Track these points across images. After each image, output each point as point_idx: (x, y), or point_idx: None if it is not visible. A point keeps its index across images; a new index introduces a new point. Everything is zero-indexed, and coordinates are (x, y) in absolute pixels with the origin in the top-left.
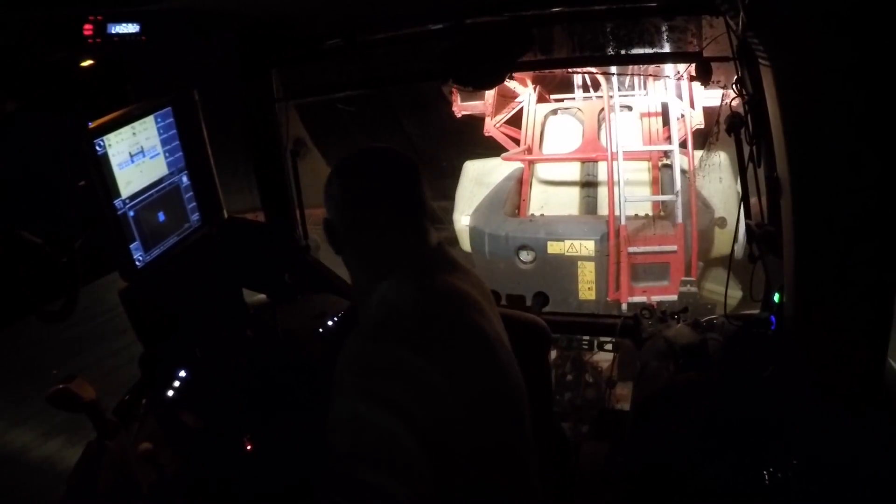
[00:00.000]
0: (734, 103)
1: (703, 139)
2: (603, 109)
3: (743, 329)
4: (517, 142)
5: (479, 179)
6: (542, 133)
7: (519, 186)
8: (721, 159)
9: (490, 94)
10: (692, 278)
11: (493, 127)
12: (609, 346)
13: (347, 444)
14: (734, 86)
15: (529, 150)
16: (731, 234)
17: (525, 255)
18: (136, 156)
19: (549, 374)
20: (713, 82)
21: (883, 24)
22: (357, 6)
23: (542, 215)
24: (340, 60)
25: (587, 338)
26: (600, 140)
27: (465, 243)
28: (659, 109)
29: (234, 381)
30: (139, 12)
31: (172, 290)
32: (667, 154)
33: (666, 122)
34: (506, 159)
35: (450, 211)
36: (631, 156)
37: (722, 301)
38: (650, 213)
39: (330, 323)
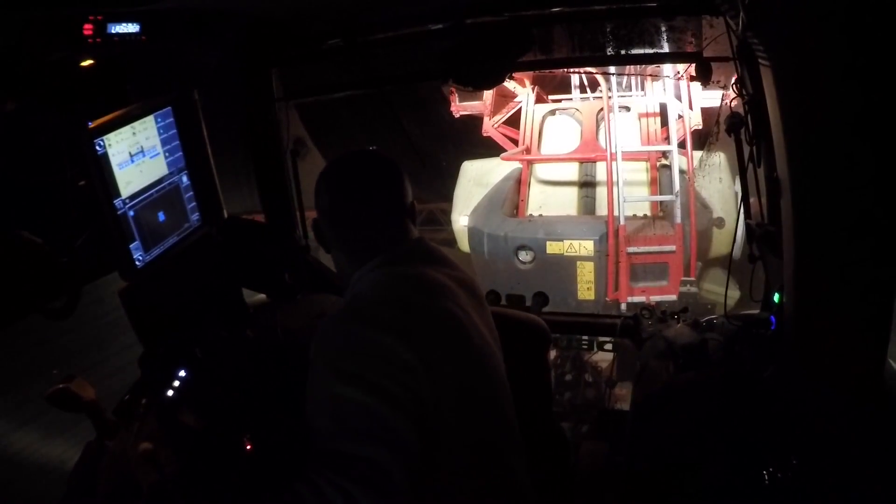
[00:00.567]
0: (734, 103)
1: (701, 140)
2: (601, 110)
3: (743, 329)
4: (515, 142)
5: (477, 180)
6: (541, 133)
7: (518, 186)
8: (720, 159)
9: (489, 95)
10: (692, 278)
11: (492, 127)
12: (609, 346)
13: (329, 423)
14: (734, 86)
15: (528, 151)
16: (729, 234)
17: (524, 256)
18: (136, 156)
19: (549, 374)
20: (713, 82)
21: (882, 24)
22: (357, 6)
23: (540, 215)
24: (340, 60)
25: (587, 338)
26: (599, 140)
27: (464, 243)
28: (657, 110)
29: (234, 381)
30: (139, 12)
31: (172, 290)
32: (665, 154)
33: (664, 123)
34: (504, 159)
35: (448, 211)
36: (629, 156)
37: (721, 301)
38: (648, 214)
39: None
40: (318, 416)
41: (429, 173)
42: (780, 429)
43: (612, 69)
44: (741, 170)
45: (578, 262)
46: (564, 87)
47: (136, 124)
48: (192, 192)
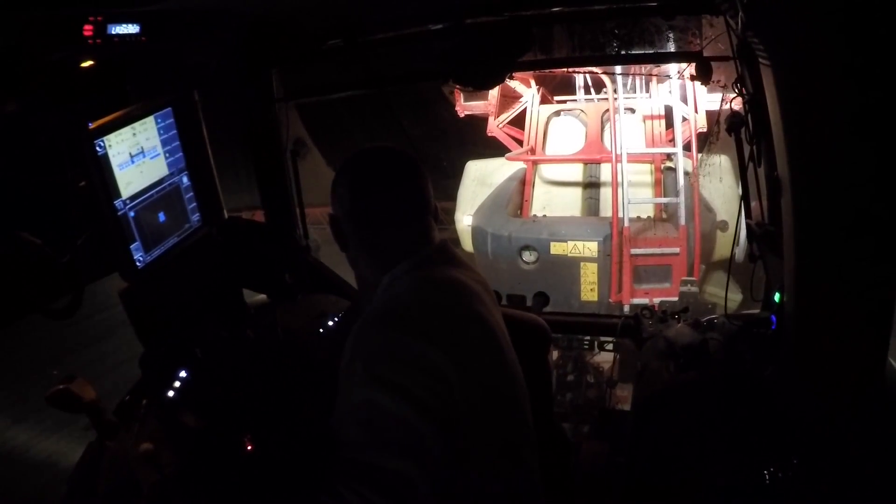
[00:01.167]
0: (734, 103)
1: (703, 141)
2: (606, 111)
3: (743, 329)
4: (520, 142)
5: (481, 179)
6: (546, 134)
7: (522, 187)
8: (722, 162)
9: (493, 95)
10: (693, 278)
11: (497, 127)
12: (610, 347)
13: (360, 431)
14: (734, 86)
15: (533, 151)
16: (732, 237)
17: (528, 256)
18: (137, 156)
19: (550, 375)
20: (713, 82)
21: (882, 24)
22: (357, 6)
23: (544, 216)
24: (340, 60)
25: (588, 338)
26: (603, 142)
27: (468, 243)
28: (662, 112)
29: (234, 381)
30: (139, 12)
31: (172, 291)
32: (669, 157)
33: (669, 125)
34: (509, 160)
35: (452, 211)
36: (634, 158)
37: (722, 303)
38: (652, 216)
39: (330, 323)
40: (349, 421)
41: (429, 173)
42: (780, 429)
43: (614, 69)
44: (741, 169)
45: (582, 263)
46: (569, 88)
47: (137, 125)
48: (192, 193)
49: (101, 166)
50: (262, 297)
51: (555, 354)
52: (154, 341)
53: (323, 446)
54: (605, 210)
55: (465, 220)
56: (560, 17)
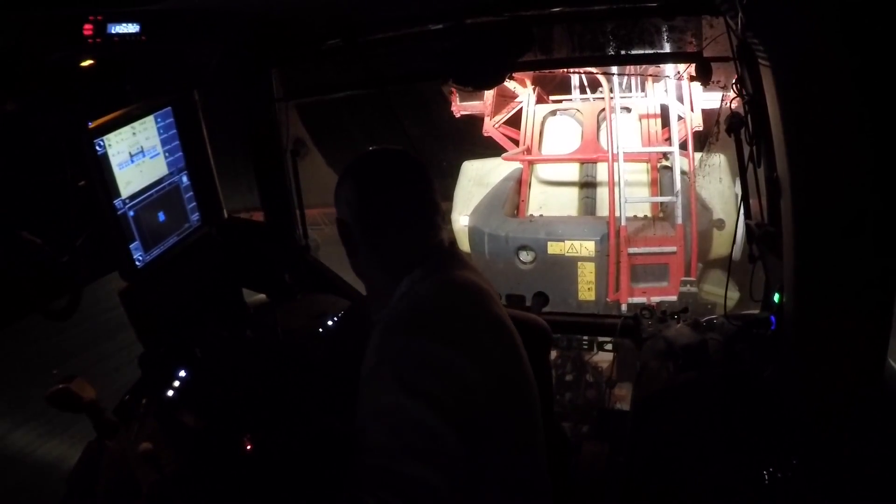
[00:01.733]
0: (734, 103)
1: (702, 141)
2: (602, 110)
3: (743, 329)
4: (516, 142)
5: (478, 179)
6: (542, 134)
7: (518, 187)
8: (720, 161)
9: (489, 95)
10: (692, 278)
11: (493, 127)
12: (609, 347)
13: (386, 437)
14: (734, 86)
15: (529, 151)
16: (729, 235)
17: (525, 256)
18: (136, 156)
19: (550, 375)
20: (713, 82)
21: (882, 24)
22: (357, 6)
23: (541, 216)
24: (340, 60)
25: (587, 338)
26: (599, 141)
27: (464, 243)
28: (658, 111)
29: (234, 381)
30: (139, 12)
31: (172, 290)
32: (666, 156)
33: (665, 124)
34: (506, 159)
35: (448, 211)
36: (630, 157)
37: (721, 301)
38: (649, 215)
39: (330, 323)
40: (374, 426)
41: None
42: (780, 429)
43: (612, 69)
44: (741, 170)
45: (579, 263)
46: (565, 88)
47: (136, 124)
48: (192, 192)
49: (101, 166)
50: (262, 297)
51: (553, 354)
52: (154, 341)
53: (322, 446)
54: (602, 209)
55: (461, 220)
56: (560, 18)
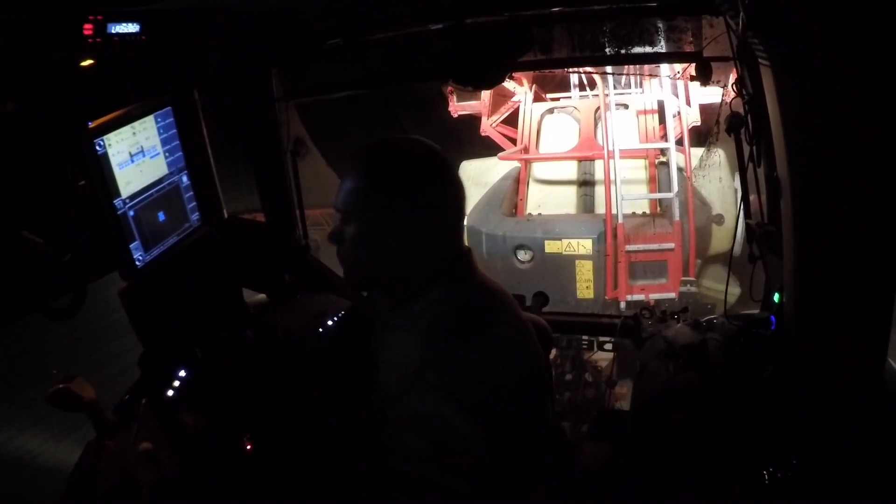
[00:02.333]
0: (734, 103)
1: (700, 137)
2: (599, 108)
3: (743, 329)
4: (514, 141)
5: (476, 179)
6: (539, 132)
7: (516, 186)
8: (719, 157)
9: (486, 94)
10: (691, 278)
11: (490, 126)
12: (609, 346)
13: (422, 444)
14: (734, 86)
15: (526, 150)
16: (728, 231)
17: (522, 255)
18: (136, 155)
19: (550, 374)
20: (713, 82)
21: (882, 25)
22: (357, 6)
23: (539, 214)
24: (340, 60)
25: (587, 337)
26: (597, 138)
27: None
28: (655, 107)
29: (234, 381)
30: (139, 12)
31: (172, 290)
32: (663, 152)
33: (662, 120)
34: (502, 159)
35: None
36: (627, 154)
37: (721, 299)
38: (647, 211)
39: (330, 323)
40: (411, 431)
41: None
42: (780, 429)
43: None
44: (741, 170)
45: (577, 261)
46: (562, 86)
47: (136, 124)
48: (192, 192)
49: (101, 165)
50: (262, 297)
51: (553, 354)
52: (154, 341)
53: (322, 446)
54: (601, 207)
55: None
56: (560, 18)
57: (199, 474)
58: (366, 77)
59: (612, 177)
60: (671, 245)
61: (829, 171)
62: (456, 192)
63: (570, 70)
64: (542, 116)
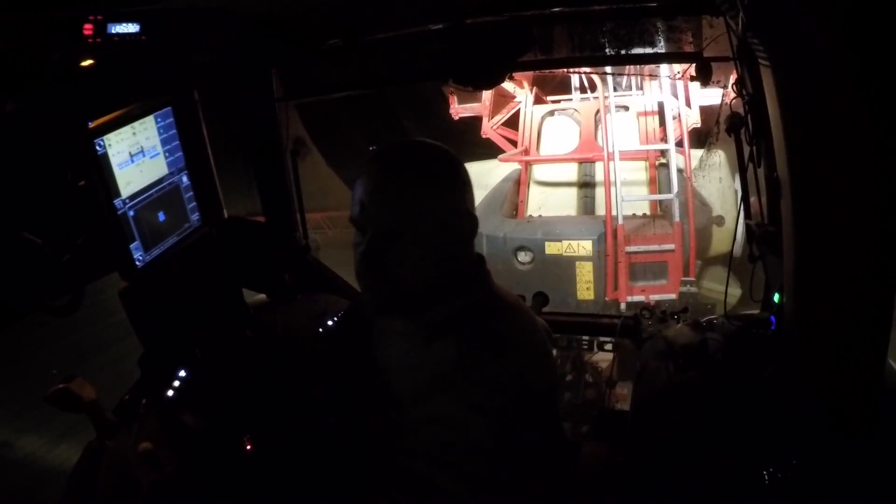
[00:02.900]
0: (734, 103)
1: (700, 138)
2: (599, 110)
3: (743, 329)
4: (514, 143)
5: (476, 181)
6: (539, 134)
7: (517, 187)
8: (719, 158)
9: (487, 96)
10: (692, 278)
11: (491, 128)
12: (609, 346)
13: (432, 446)
14: (734, 86)
15: (527, 152)
16: (728, 232)
17: (523, 256)
18: (136, 156)
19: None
20: (713, 82)
21: (883, 25)
22: (357, 6)
23: (539, 216)
24: (340, 60)
25: (587, 338)
26: (597, 140)
27: None
28: (655, 109)
29: (234, 381)
30: (139, 12)
31: (172, 290)
32: (663, 153)
33: (662, 122)
34: (502, 160)
35: None
36: (628, 155)
37: (721, 299)
38: (647, 213)
39: (330, 323)
40: (424, 430)
41: None
42: (780, 429)
43: (610, 69)
44: (741, 170)
45: (577, 262)
46: (563, 88)
47: (136, 124)
48: (192, 192)
49: (101, 165)
50: (262, 297)
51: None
52: (154, 341)
53: (322, 446)
54: (601, 209)
55: None
56: (560, 18)
57: (199, 474)
58: (366, 77)
59: (612, 178)
60: (671, 246)
61: (829, 171)
62: (472, 196)
63: (571, 71)
64: (543, 118)
